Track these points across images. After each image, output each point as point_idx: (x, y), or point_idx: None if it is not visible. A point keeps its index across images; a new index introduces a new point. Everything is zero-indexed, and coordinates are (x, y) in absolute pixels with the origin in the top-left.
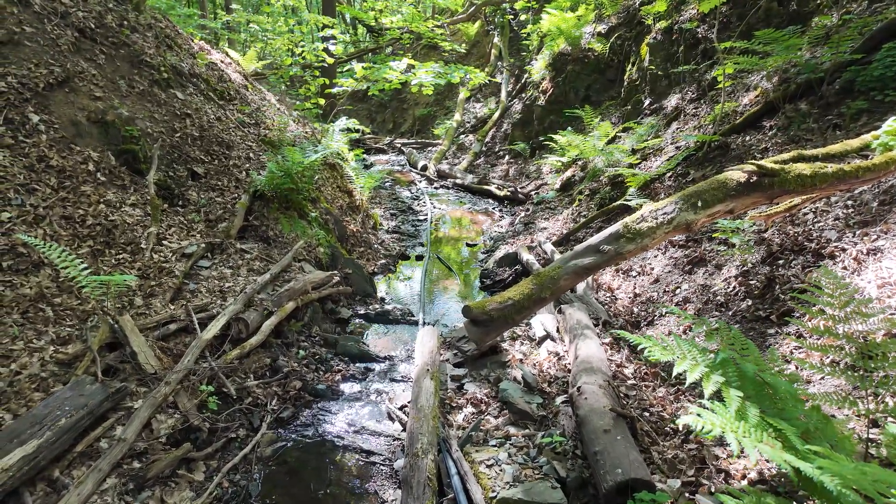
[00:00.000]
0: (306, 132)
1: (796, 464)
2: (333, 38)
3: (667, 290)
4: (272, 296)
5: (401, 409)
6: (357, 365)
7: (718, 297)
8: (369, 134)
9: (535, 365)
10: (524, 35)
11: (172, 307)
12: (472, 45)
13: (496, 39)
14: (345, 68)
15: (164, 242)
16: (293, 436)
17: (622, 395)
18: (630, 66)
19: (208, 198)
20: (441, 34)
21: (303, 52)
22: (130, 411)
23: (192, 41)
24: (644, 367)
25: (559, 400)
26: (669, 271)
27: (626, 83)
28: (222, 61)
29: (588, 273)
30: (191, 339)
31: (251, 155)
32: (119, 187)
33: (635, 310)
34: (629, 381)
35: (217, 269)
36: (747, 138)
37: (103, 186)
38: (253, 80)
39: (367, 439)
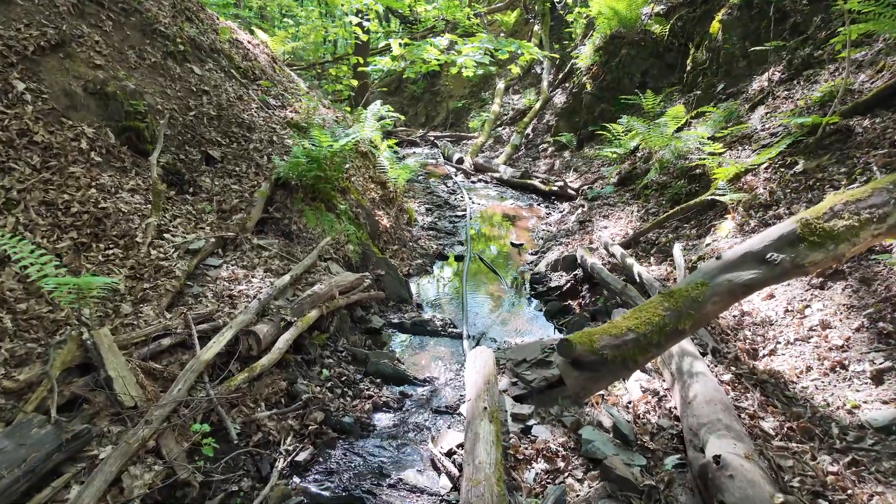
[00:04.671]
0: (336, 117)
1: None
2: (367, 10)
3: (789, 308)
4: (292, 302)
5: (448, 455)
6: (391, 388)
7: (881, 324)
8: (402, 126)
9: (626, 407)
10: (566, 22)
11: (169, 316)
12: (510, 34)
13: (536, 28)
14: (379, 44)
15: (166, 236)
16: (312, 488)
17: (774, 466)
18: (694, 48)
19: (223, 185)
20: (477, 23)
21: (335, 31)
22: (95, 463)
23: (217, 19)
24: (789, 419)
25: (670, 462)
26: (788, 284)
27: (689, 67)
28: (249, 41)
29: (747, 293)
30: (189, 356)
31: (274, 138)
32: (118, 170)
33: (747, 333)
34: (775, 443)
35: (228, 268)
36: (877, 120)
37: (98, 168)
38: (283, 64)
39: (405, 498)
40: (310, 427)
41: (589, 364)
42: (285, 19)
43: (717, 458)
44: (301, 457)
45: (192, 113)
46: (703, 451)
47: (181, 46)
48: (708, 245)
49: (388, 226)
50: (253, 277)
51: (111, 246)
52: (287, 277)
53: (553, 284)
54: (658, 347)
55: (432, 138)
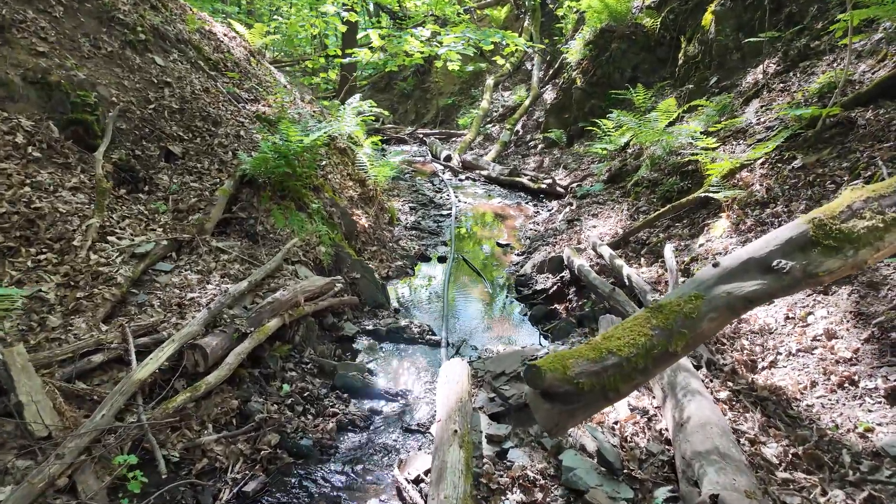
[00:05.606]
0: (313, 112)
1: None
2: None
3: (790, 315)
4: (249, 311)
5: (415, 482)
6: (359, 404)
7: (894, 334)
8: (391, 124)
9: (612, 428)
10: (557, 17)
11: (104, 328)
12: (501, 30)
13: (527, 23)
14: (361, 34)
15: (111, 238)
16: None
17: None
18: (686, 41)
19: (182, 182)
20: (467, 19)
21: (312, 22)
22: None
23: (191, 10)
24: (794, 443)
25: (660, 495)
26: None
27: (681, 61)
28: (225, 34)
29: (749, 307)
30: (127, 374)
31: (242, 133)
32: (60, 166)
33: (744, 343)
34: (779, 474)
35: (181, 273)
36: (881, 111)
37: (35, 164)
38: (263, 58)
39: None
40: (262, 451)
41: (562, 395)
42: (274, 17)
43: (714, 500)
44: (250, 486)
45: (152, 106)
46: (698, 486)
47: (142, 35)
48: (701, 245)
49: (366, 226)
50: (208, 283)
51: (44, 250)
52: (244, 283)
53: (539, 287)
54: (644, 374)
55: (421, 136)
